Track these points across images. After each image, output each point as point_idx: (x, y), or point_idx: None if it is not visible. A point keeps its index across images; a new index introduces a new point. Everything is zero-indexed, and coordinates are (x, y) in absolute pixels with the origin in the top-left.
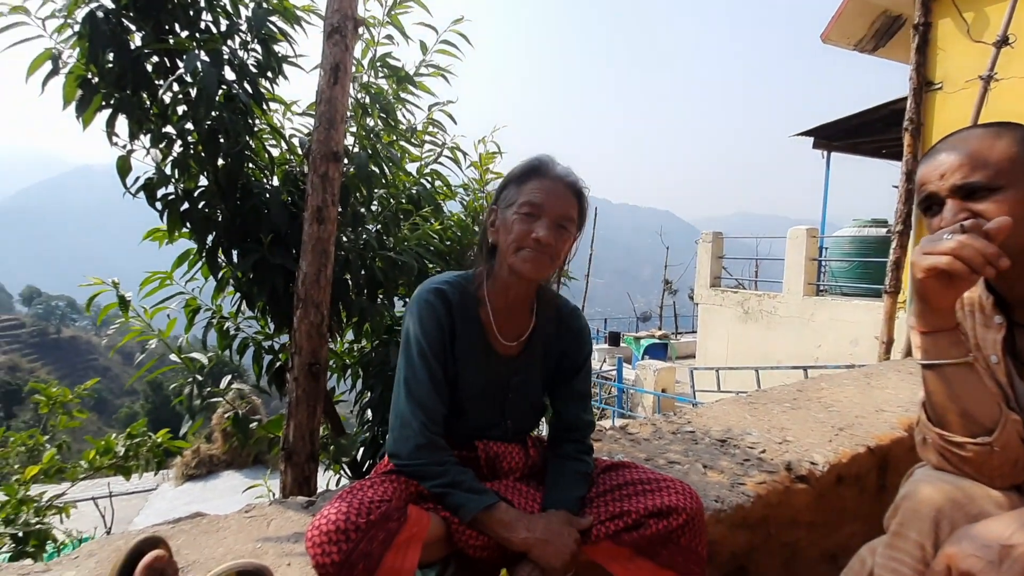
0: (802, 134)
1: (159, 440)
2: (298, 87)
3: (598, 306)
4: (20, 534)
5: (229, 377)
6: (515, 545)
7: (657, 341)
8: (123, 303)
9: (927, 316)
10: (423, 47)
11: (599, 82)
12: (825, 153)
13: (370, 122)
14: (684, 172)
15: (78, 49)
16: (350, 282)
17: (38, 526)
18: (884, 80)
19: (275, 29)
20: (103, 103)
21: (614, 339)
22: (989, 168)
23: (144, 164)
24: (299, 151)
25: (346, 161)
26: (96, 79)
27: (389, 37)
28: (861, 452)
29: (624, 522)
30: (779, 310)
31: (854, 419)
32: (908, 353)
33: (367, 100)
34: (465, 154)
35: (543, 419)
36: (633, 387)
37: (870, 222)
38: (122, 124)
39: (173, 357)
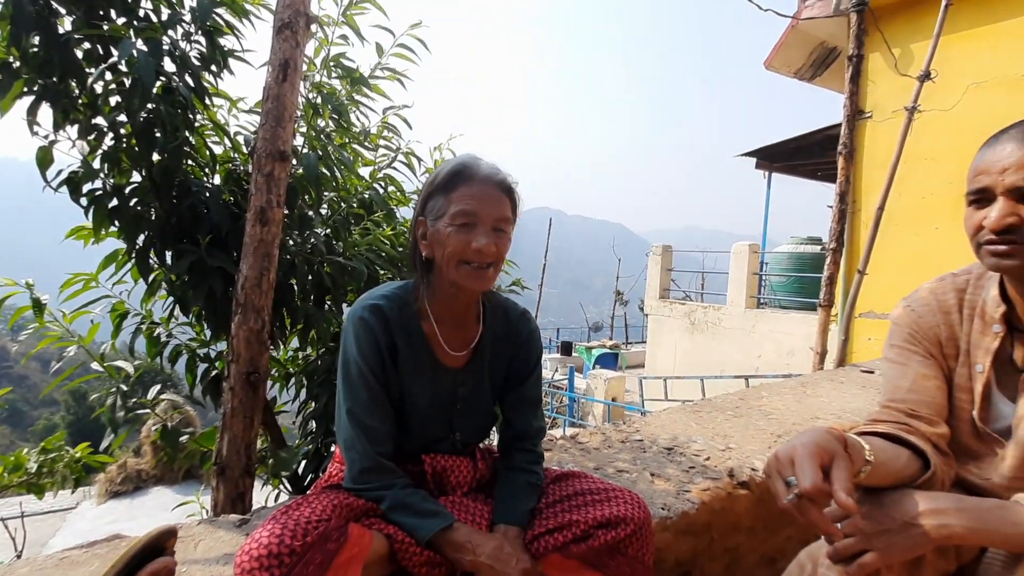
0: (745, 155)
1: (78, 455)
2: (246, 84)
3: (551, 316)
4: None
5: (158, 387)
6: (464, 566)
7: (608, 351)
8: (37, 306)
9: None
10: (379, 49)
11: (555, 95)
12: (766, 173)
13: (321, 123)
14: (636, 186)
15: None
16: (296, 287)
17: None
18: (823, 106)
19: (221, 22)
20: (25, 89)
21: (566, 349)
22: None
23: (70, 157)
24: (244, 149)
25: (294, 162)
26: (18, 63)
27: (344, 37)
28: None
29: (572, 533)
30: (723, 321)
31: (791, 426)
32: (840, 363)
33: (319, 100)
34: (420, 160)
35: (493, 428)
36: (584, 396)
37: (806, 240)
38: (46, 113)
39: (95, 365)
